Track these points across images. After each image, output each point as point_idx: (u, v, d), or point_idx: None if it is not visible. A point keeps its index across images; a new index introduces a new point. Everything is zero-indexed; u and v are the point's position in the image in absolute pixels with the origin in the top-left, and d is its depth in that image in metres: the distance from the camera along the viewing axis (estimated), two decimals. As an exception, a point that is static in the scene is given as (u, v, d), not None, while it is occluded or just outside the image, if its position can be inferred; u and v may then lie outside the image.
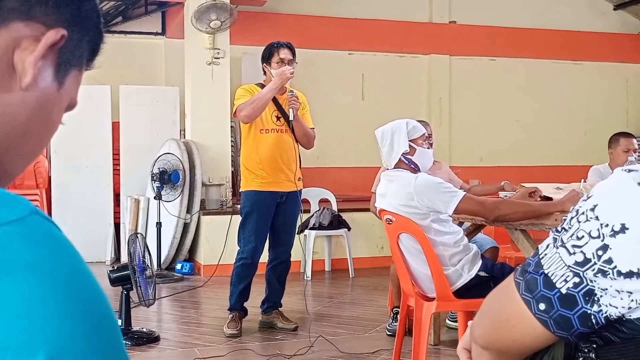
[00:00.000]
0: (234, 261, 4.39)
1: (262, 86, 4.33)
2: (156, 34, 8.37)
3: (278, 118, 4.31)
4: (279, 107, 4.30)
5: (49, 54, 0.62)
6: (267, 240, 4.42)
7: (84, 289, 0.53)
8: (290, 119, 4.23)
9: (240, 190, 4.45)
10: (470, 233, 3.75)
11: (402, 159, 3.22)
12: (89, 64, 0.69)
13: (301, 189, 4.45)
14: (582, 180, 3.85)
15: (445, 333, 4.26)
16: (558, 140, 9.33)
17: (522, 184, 3.64)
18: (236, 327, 4.29)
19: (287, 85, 4.31)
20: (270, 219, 4.32)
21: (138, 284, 4.12)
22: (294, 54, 4.33)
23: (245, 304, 4.41)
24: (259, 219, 4.27)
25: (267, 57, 4.31)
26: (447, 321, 4.42)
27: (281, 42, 4.33)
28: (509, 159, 9.03)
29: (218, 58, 6.98)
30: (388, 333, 4.26)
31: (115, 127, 7.31)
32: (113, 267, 4.20)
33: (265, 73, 4.37)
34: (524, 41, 9.07)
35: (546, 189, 3.45)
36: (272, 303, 4.47)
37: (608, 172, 4.70)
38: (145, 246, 4.36)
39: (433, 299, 3.16)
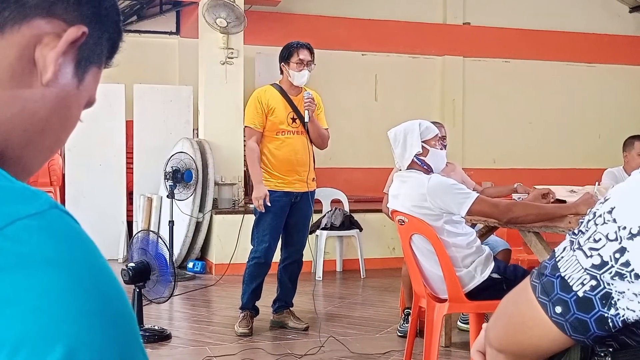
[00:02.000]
0: (247, 260, 4.39)
1: (279, 87, 4.33)
2: (170, 33, 8.41)
3: (294, 120, 4.30)
4: (294, 108, 4.29)
5: (70, 51, 0.63)
6: (280, 240, 4.42)
7: (103, 283, 0.53)
8: (305, 121, 4.24)
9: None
10: (483, 235, 3.73)
11: (415, 160, 3.21)
12: (108, 61, 0.70)
13: (314, 190, 4.46)
14: (597, 183, 3.83)
15: (457, 335, 4.25)
16: (572, 142, 9.28)
17: (535, 186, 3.62)
18: (247, 326, 4.29)
19: (304, 86, 4.32)
20: (284, 218, 4.31)
21: (155, 280, 4.13)
22: (313, 55, 4.32)
23: (257, 303, 4.41)
24: (273, 219, 4.26)
25: (285, 57, 4.29)
26: (459, 323, 4.41)
27: (301, 43, 4.31)
28: (522, 161, 8.99)
29: (232, 58, 7.00)
30: (399, 334, 4.26)
31: (129, 125, 7.35)
32: (126, 265, 4.19)
33: (282, 72, 4.35)
34: (538, 43, 9.03)
35: (560, 191, 3.43)
36: (283, 302, 4.46)
37: (622, 175, 4.67)
38: (158, 243, 4.36)
39: (445, 300, 3.15)
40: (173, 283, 4.21)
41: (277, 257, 4.45)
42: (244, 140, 7.16)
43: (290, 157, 4.28)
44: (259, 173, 4.23)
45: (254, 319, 4.38)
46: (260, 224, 4.31)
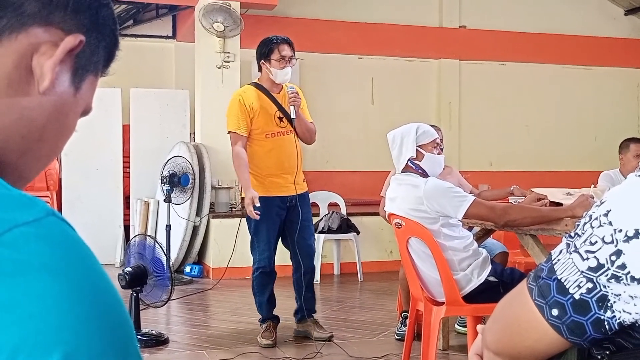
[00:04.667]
0: (252, 272, 4.24)
1: (260, 87, 4.13)
2: (167, 37, 8.41)
3: (281, 119, 4.12)
4: (279, 107, 4.11)
5: (67, 59, 0.63)
6: (289, 249, 4.27)
7: (99, 290, 0.53)
8: (292, 117, 4.05)
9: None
10: (480, 238, 3.73)
11: (409, 164, 3.22)
12: (104, 69, 0.70)
13: (307, 191, 4.31)
14: (592, 185, 3.84)
15: (454, 338, 4.25)
16: (568, 145, 9.30)
17: (532, 189, 3.63)
18: (271, 337, 4.14)
19: (286, 83, 4.13)
20: (281, 223, 4.17)
21: (151, 285, 4.13)
22: (293, 50, 4.11)
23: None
24: (270, 227, 4.11)
25: (265, 54, 4.05)
26: (456, 326, 4.41)
27: (280, 38, 4.09)
28: (518, 164, 9.00)
29: (228, 61, 7.00)
30: (397, 337, 4.25)
31: (126, 129, 7.35)
32: (123, 270, 4.18)
33: (260, 70, 4.13)
34: (534, 46, 9.05)
35: (556, 194, 3.44)
36: (305, 312, 4.29)
37: (619, 178, 4.67)
38: (155, 247, 4.36)
39: (442, 303, 3.15)
40: (170, 287, 4.21)
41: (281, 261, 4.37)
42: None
43: (282, 160, 4.11)
44: (247, 178, 4.02)
45: (276, 328, 4.24)
46: (258, 233, 4.14)
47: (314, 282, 6.21)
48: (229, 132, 4.13)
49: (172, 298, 4.43)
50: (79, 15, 0.64)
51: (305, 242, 4.22)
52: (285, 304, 4.40)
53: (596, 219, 0.78)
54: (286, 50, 4.05)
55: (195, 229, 6.68)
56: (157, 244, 4.28)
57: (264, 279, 4.18)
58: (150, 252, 4.25)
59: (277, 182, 4.13)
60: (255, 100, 4.09)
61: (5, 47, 0.60)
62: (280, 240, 4.28)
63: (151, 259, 4.23)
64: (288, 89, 4.08)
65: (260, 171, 4.13)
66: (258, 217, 3.94)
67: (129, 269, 4.15)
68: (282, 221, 4.19)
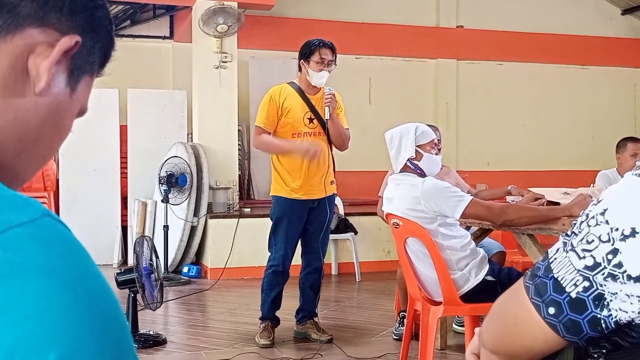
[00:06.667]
0: (265, 269, 4.22)
1: (296, 86, 4.16)
2: (164, 37, 8.41)
3: (311, 120, 4.11)
4: (311, 108, 4.11)
5: (63, 60, 0.63)
6: (300, 247, 4.26)
7: (95, 290, 0.53)
8: (325, 118, 4.06)
9: (270, 194, 4.25)
10: (477, 237, 3.73)
11: (408, 164, 3.22)
12: (100, 70, 0.70)
13: (334, 194, 4.27)
14: (590, 185, 3.84)
15: (452, 337, 4.25)
16: (565, 144, 9.32)
17: (530, 189, 3.63)
18: (269, 337, 4.12)
19: (324, 86, 4.16)
20: (302, 226, 4.15)
21: (144, 287, 4.13)
22: (335, 55, 4.16)
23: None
24: (289, 227, 4.10)
25: (306, 55, 4.10)
26: (454, 326, 4.41)
27: (323, 41, 4.13)
28: (516, 163, 9.01)
29: (225, 62, 7.00)
30: (395, 337, 4.26)
31: (123, 130, 7.34)
32: (120, 269, 4.19)
33: (300, 70, 4.18)
34: (531, 46, 9.06)
35: (554, 193, 3.44)
36: (306, 313, 4.28)
37: (616, 177, 4.68)
38: (153, 249, 4.36)
39: (440, 303, 3.15)
40: (155, 290, 4.19)
41: (298, 263, 4.34)
42: (239, 144, 7.21)
43: (307, 162, 4.07)
44: (284, 140, 4.05)
45: (275, 329, 4.21)
46: (277, 231, 4.14)
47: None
48: (255, 126, 4.20)
49: (169, 299, 4.44)
50: (74, 16, 0.63)
51: (317, 242, 4.21)
52: (285, 304, 4.40)
53: (593, 217, 0.78)
54: (327, 54, 4.11)
55: (193, 230, 6.67)
56: (149, 245, 4.28)
57: (274, 278, 4.15)
58: (145, 253, 4.25)
59: (300, 184, 4.09)
60: (287, 98, 4.12)
61: (1, 48, 0.60)
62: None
63: (146, 260, 4.23)
64: (326, 89, 4.11)
65: (285, 171, 4.12)
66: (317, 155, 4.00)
67: (121, 270, 4.18)
68: (304, 223, 4.17)
